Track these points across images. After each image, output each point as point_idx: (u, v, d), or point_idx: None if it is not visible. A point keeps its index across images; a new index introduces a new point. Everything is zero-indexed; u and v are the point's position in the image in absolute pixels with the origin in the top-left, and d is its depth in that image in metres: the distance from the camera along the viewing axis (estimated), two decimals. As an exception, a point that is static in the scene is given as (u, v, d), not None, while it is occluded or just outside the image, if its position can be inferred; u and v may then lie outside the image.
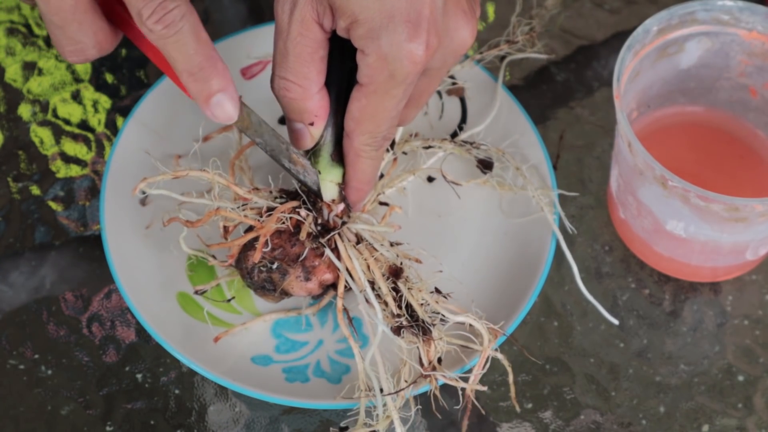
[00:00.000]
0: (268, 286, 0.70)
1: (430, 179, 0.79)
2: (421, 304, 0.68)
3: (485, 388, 0.69)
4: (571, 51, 0.86)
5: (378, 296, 0.68)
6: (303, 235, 0.69)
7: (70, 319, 0.75)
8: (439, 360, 0.68)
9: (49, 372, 0.74)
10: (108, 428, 0.72)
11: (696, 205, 0.69)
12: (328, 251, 0.69)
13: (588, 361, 0.74)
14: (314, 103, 0.66)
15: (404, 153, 0.78)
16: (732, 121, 0.79)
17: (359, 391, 0.68)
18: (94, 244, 0.78)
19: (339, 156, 0.70)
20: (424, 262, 0.72)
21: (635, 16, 0.87)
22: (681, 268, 0.76)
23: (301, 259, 0.69)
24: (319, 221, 0.70)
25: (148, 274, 0.74)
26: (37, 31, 0.86)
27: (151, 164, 0.78)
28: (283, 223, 0.69)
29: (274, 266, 0.69)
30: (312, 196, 0.70)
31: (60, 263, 0.77)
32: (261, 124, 0.68)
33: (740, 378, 0.74)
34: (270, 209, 0.70)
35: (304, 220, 0.69)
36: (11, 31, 0.85)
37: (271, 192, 0.71)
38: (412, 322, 0.67)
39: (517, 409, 0.72)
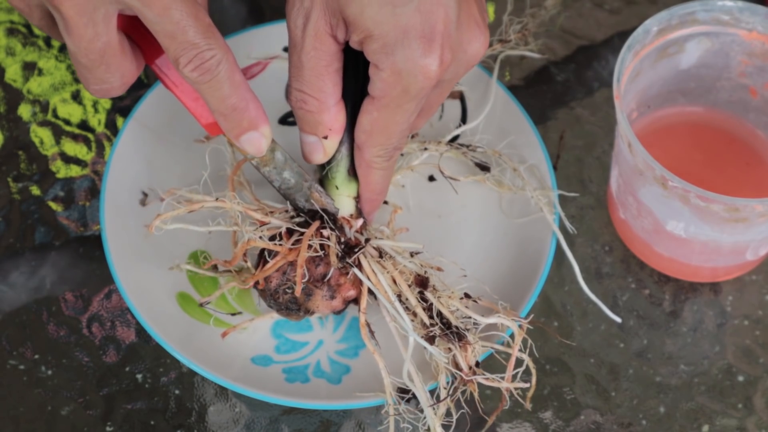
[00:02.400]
0: (293, 307, 0.70)
1: (432, 179, 0.79)
2: (452, 311, 0.68)
3: (528, 385, 0.69)
4: (571, 51, 0.86)
5: (407, 308, 0.68)
6: (333, 260, 0.68)
7: (70, 319, 0.75)
8: (477, 363, 0.68)
9: (49, 372, 0.74)
10: (108, 428, 0.72)
11: (696, 206, 0.69)
12: (356, 272, 0.68)
13: (588, 362, 0.74)
14: (330, 116, 0.66)
15: (401, 154, 0.78)
16: (732, 121, 0.79)
17: (387, 404, 0.68)
18: (94, 244, 0.78)
19: (355, 170, 0.70)
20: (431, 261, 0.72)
21: (635, 16, 0.87)
22: (681, 268, 0.76)
23: (327, 278, 0.69)
24: (342, 239, 0.69)
25: (148, 274, 0.74)
26: (37, 31, 0.86)
27: (152, 164, 0.78)
28: (315, 249, 0.68)
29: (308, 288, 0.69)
30: (331, 214, 0.70)
31: (60, 263, 0.77)
32: (287, 161, 0.68)
33: (740, 378, 0.74)
34: (290, 231, 0.70)
35: (329, 241, 0.69)
36: (11, 31, 0.85)
37: (287, 211, 0.71)
38: (446, 330, 0.67)
39: (528, 407, 0.71)
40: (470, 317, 0.69)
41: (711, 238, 0.72)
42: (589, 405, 0.73)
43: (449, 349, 0.68)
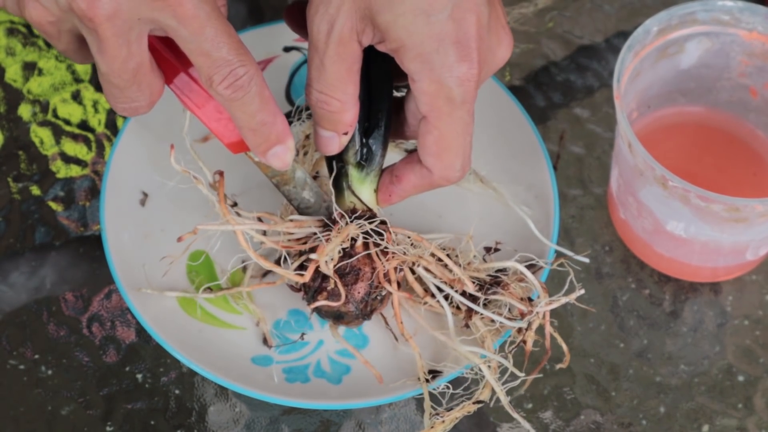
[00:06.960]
0: (369, 314, 0.70)
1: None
2: (478, 270, 0.70)
3: (583, 291, 0.69)
4: (571, 51, 0.86)
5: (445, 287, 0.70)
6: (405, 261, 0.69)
7: (70, 319, 0.75)
8: (529, 299, 0.69)
9: (49, 372, 0.74)
10: (108, 428, 0.72)
11: (696, 206, 0.69)
12: (421, 272, 0.69)
13: (588, 362, 0.74)
14: (351, 115, 0.66)
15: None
16: (732, 121, 0.79)
17: (417, 379, 0.70)
18: (94, 244, 0.78)
19: (366, 158, 0.69)
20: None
21: (635, 16, 0.87)
22: (681, 268, 0.76)
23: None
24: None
25: (148, 274, 0.74)
26: (37, 31, 0.85)
27: (152, 164, 0.78)
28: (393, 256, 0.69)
29: (384, 292, 0.70)
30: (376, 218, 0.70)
31: (60, 263, 0.77)
32: (305, 181, 0.68)
33: (740, 378, 0.74)
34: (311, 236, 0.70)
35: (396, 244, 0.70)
36: (11, 31, 0.85)
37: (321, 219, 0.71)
38: (485, 285, 0.69)
39: (567, 361, 0.71)
40: (499, 269, 0.70)
41: (711, 238, 0.72)
42: (589, 405, 0.73)
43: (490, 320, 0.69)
